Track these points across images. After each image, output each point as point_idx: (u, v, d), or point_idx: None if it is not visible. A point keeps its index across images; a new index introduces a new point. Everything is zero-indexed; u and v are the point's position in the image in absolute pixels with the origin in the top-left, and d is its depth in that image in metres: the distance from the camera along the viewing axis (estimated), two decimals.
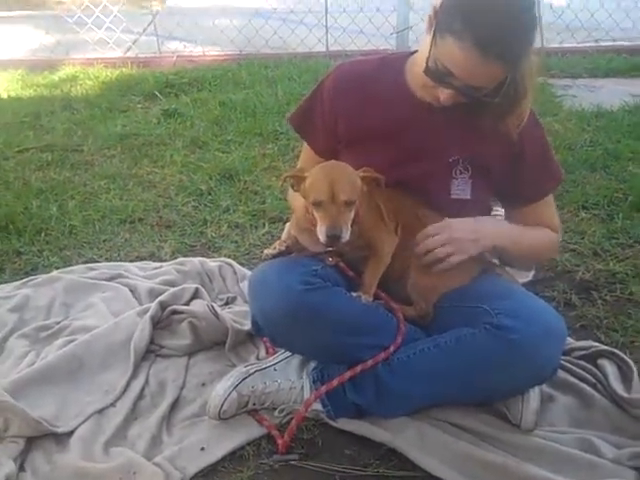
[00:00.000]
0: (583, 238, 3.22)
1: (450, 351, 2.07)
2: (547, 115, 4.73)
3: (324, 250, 2.14)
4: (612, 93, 5.41)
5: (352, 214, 2.04)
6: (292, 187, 2.17)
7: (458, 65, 1.97)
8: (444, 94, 2.06)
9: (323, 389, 2.11)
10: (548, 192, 2.34)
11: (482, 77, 1.99)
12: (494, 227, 2.29)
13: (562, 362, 2.27)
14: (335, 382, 2.10)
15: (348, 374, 2.11)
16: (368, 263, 2.17)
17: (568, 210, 3.49)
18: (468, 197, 2.26)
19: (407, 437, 2.07)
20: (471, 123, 2.15)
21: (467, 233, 2.17)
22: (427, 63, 2.04)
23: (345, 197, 2.00)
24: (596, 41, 6.77)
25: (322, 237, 2.01)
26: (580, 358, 2.40)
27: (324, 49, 6.73)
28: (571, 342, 2.45)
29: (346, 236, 2.00)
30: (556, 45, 6.65)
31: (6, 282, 2.98)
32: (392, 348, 2.11)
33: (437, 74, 2.03)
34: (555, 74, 5.96)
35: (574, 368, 2.35)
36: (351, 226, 2.03)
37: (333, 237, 1.99)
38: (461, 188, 2.25)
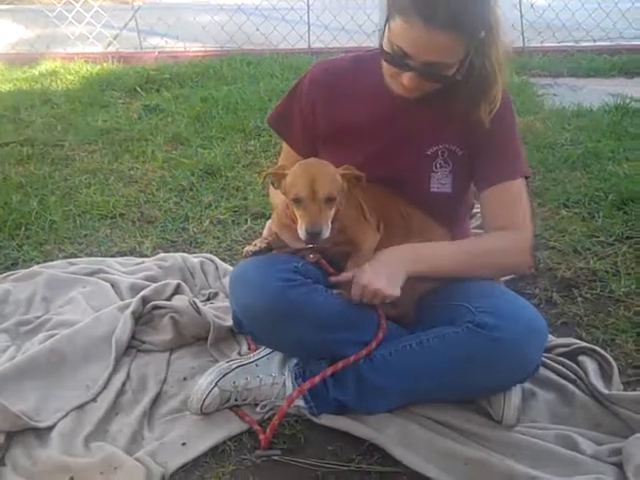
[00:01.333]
0: (564, 236, 3.24)
1: (432, 349, 2.07)
2: (528, 113, 4.75)
3: (305, 247, 2.13)
4: (593, 93, 5.45)
5: (332, 211, 2.03)
6: (273, 185, 2.17)
7: (408, 41, 1.96)
8: (406, 78, 2.04)
9: (306, 385, 2.11)
10: (510, 176, 2.22)
11: (434, 50, 1.96)
12: (407, 256, 2.15)
13: (543, 359, 2.29)
14: (317, 378, 2.10)
15: (330, 370, 2.10)
16: (350, 259, 2.16)
17: (549, 208, 3.51)
18: (449, 191, 2.26)
19: (390, 433, 2.07)
20: (447, 115, 2.15)
21: (376, 279, 2.06)
22: (384, 49, 2.05)
23: (325, 194, 2.00)
24: (577, 41, 6.82)
25: (302, 234, 2.00)
26: (561, 355, 2.41)
27: (306, 46, 6.73)
28: (552, 339, 2.46)
29: (326, 233, 2.00)
30: (537, 44, 6.69)
31: None
32: (374, 344, 2.11)
33: (394, 58, 2.03)
34: (536, 73, 6.00)
35: (555, 365, 2.36)
36: (332, 223, 2.03)
37: (313, 234, 1.99)
38: (442, 182, 2.25)
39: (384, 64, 2.11)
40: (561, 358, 2.39)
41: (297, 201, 2.02)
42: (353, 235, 2.16)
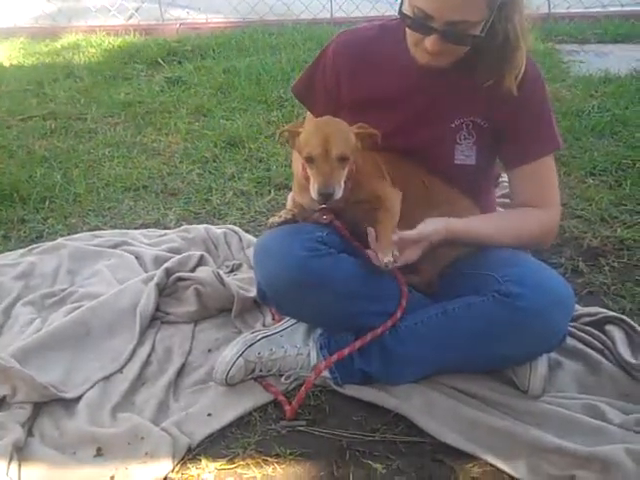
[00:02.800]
0: (591, 205, 3.19)
1: (458, 318, 2.06)
2: (554, 81, 4.68)
3: (318, 208, 2.12)
4: (620, 59, 5.35)
5: (345, 171, 2.00)
6: (288, 143, 2.15)
7: (429, 0, 1.93)
8: (430, 42, 2.00)
9: (334, 358, 2.11)
10: (538, 154, 2.21)
11: (456, 9, 1.93)
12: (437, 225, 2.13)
13: (570, 328, 2.27)
14: (346, 351, 2.10)
15: (358, 343, 2.10)
16: (378, 219, 2.09)
17: (575, 177, 3.46)
18: (473, 163, 2.23)
19: (414, 403, 2.07)
20: (473, 87, 2.12)
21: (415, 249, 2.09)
22: (405, 14, 2.02)
23: (338, 152, 1.97)
24: (604, 6, 6.68)
25: (314, 194, 1.98)
26: (587, 324, 2.39)
27: (329, 16, 6.67)
28: (578, 309, 2.44)
29: (339, 193, 1.97)
30: (563, 10, 6.57)
31: (11, 250, 2.98)
32: (398, 313, 2.10)
33: (416, 22, 2.00)
34: (562, 40, 5.89)
35: (581, 334, 2.34)
36: (345, 182, 2.00)
37: (325, 195, 1.96)
38: (466, 154, 2.22)
39: (407, 32, 2.08)
40: (588, 327, 2.37)
41: (309, 159, 2.00)
42: (372, 191, 2.12)
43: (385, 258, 1.99)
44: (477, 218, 2.24)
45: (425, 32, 2.00)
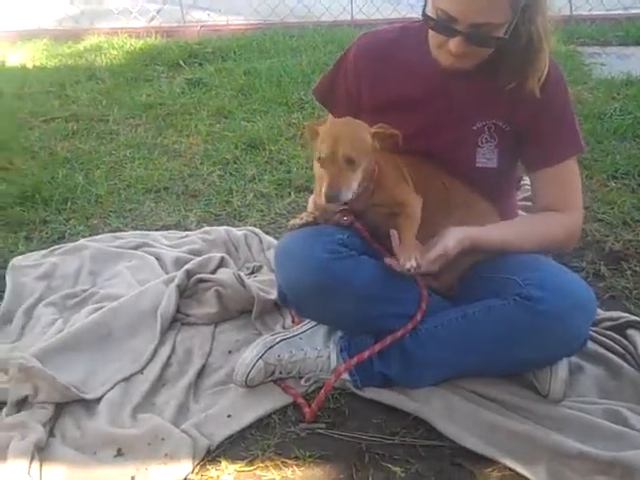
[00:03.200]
0: (612, 208, 3.18)
1: (478, 322, 2.06)
2: (576, 84, 4.65)
3: (338, 209, 2.11)
4: None
5: (357, 173, 1.99)
6: (309, 141, 2.15)
7: (454, 3, 1.93)
8: (453, 44, 1.99)
9: (354, 360, 2.11)
10: (562, 157, 2.20)
11: (480, 10, 1.93)
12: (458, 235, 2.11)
13: (591, 333, 2.25)
14: (366, 354, 2.10)
15: (378, 346, 2.10)
16: (399, 225, 2.09)
17: (597, 180, 3.44)
18: (494, 166, 2.22)
19: (434, 407, 2.06)
20: (495, 89, 2.11)
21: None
22: (429, 16, 2.01)
23: (345, 154, 1.96)
24: (626, 8, 6.63)
25: (322, 196, 1.98)
26: (609, 329, 2.38)
27: (349, 18, 6.66)
28: (600, 313, 2.42)
29: (347, 196, 1.96)
30: (585, 12, 6.53)
31: (33, 251, 3.00)
32: (419, 315, 2.10)
33: (440, 24, 1.99)
34: (584, 42, 5.86)
35: (603, 339, 2.33)
36: (360, 185, 2.00)
37: (330, 197, 1.95)
38: (487, 157, 2.21)
39: (430, 34, 2.08)
40: (609, 332, 2.36)
41: (320, 161, 2.00)
42: (394, 195, 2.12)
43: (407, 263, 1.98)
44: (498, 226, 2.22)
45: (449, 34, 1.99)
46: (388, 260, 2.05)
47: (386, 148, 2.07)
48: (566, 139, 2.20)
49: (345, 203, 2.02)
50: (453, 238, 2.07)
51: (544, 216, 2.23)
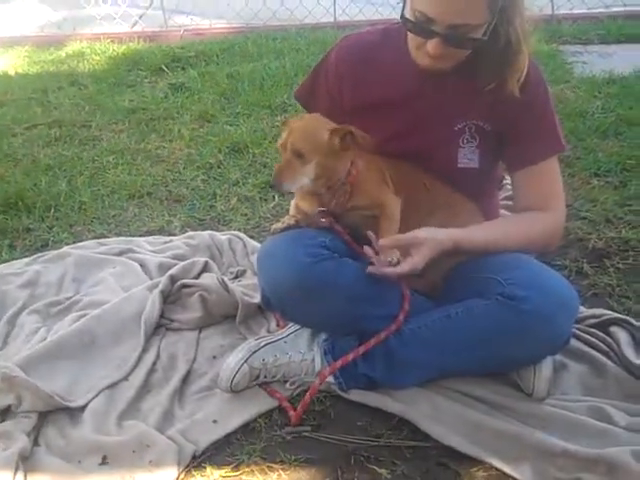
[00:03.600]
0: (595, 206, 3.19)
1: (461, 322, 2.06)
2: (558, 82, 4.66)
3: (317, 211, 2.15)
4: (624, 59, 5.32)
5: (307, 168, 2.05)
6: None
7: (430, 4, 1.94)
8: (431, 45, 2.00)
9: (338, 363, 2.11)
10: (545, 156, 2.21)
11: (457, 12, 1.94)
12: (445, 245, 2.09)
13: (574, 330, 2.26)
14: (350, 357, 2.10)
15: (362, 348, 2.10)
16: (379, 224, 2.13)
17: (579, 178, 3.45)
18: (476, 166, 2.23)
19: (419, 407, 2.07)
20: (475, 90, 2.12)
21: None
22: (407, 18, 2.02)
23: (294, 147, 2.04)
24: (607, 7, 6.66)
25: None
26: (592, 326, 2.38)
27: (332, 20, 6.67)
28: (583, 310, 2.43)
29: (289, 188, 2.09)
30: (566, 11, 6.55)
31: (17, 259, 2.99)
32: (402, 316, 2.10)
33: (418, 25, 2.00)
34: (566, 41, 5.87)
35: (586, 336, 2.34)
36: (312, 181, 2.07)
37: (272, 186, 2.08)
38: (469, 157, 2.22)
39: (409, 36, 2.09)
40: (592, 329, 2.37)
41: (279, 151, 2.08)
42: (373, 198, 2.15)
43: (387, 257, 2.00)
44: (481, 227, 2.22)
45: (427, 36, 2.00)
46: (367, 249, 2.05)
47: (347, 148, 2.09)
48: (546, 139, 2.21)
49: (323, 205, 2.07)
50: (428, 232, 2.06)
51: (526, 216, 2.23)
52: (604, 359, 2.25)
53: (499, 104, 2.13)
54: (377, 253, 2.05)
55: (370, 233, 2.07)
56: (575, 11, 6.60)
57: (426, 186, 2.21)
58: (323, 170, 2.07)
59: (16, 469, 1.89)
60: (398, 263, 2.01)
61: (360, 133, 2.06)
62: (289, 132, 2.07)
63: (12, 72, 5.76)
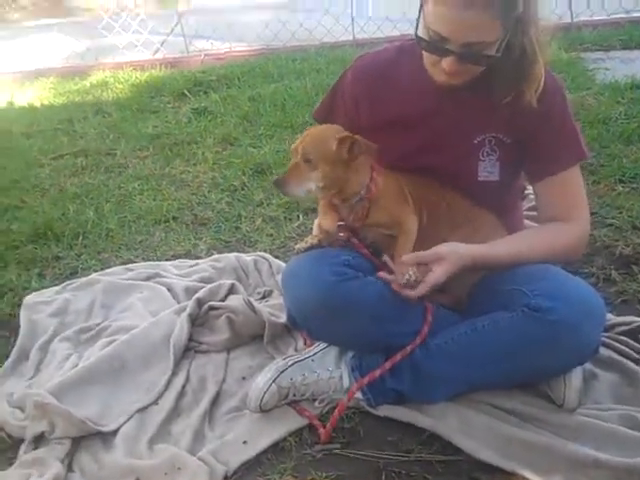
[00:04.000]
0: (621, 212, 3.17)
1: (487, 335, 2.05)
2: (580, 89, 4.65)
3: (337, 225, 2.18)
4: None
5: (314, 174, 2.08)
6: None
7: (444, 24, 1.94)
8: (446, 63, 2.01)
9: (365, 380, 2.11)
10: (563, 165, 2.20)
11: (471, 31, 1.93)
12: (467, 262, 2.09)
13: (603, 339, 2.24)
14: (377, 373, 2.10)
15: (388, 364, 2.10)
16: (397, 240, 2.16)
17: (605, 184, 3.44)
18: (497, 179, 2.22)
19: (449, 421, 2.06)
20: (493, 102, 2.12)
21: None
22: (421, 37, 2.03)
23: (304, 152, 2.08)
24: (627, 12, 6.63)
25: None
26: (622, 334, 2.36)
27: (351, 38, 6.71)
28: (612, 318, 2.42)
29: (293, 191, 2.11)
30: (586, 18, 6.53)
31: (46, 287, 3.03)
32: (426, 328, 2.10)
33: (432, 44, 2.01)
34: (587, 48, 5.87)
35: (616, 344, 2.31)
36: (319, 188, 2.10)
37: (275, 184, 2.14)
38: (489, 170, 2.22)
39: (424, 53, 2.09)
40: (623, 337, 2.34)
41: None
42: (392, 215, 2.16)
43: (404, 276, 2.02)
44: (504, 241, 2.20)
45: (442, 54, 2.01)
46: (382, 274, 2.08)
47: (355, 158, 2.11)
48: (567, 147, 2.20)
49: (342, 220, 2.12)
50: (449, 247, 2.07)
51: (550, 227, 2.22)
52: (635, 367, 2.22)
53: (517, 115, 2.12)
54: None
55: (386, 257, 2.10)
56: (595, 17, 6.58)
57: (447, 203, 2.21)
58: (331, 178, 2.10)
59: None
60: (415, 280, 2.02)
61: (364, 142, 2.08)
62: (303, 137, 2.13)
63: (38, 103, 5.87)
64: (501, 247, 2.16)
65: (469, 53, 1.98)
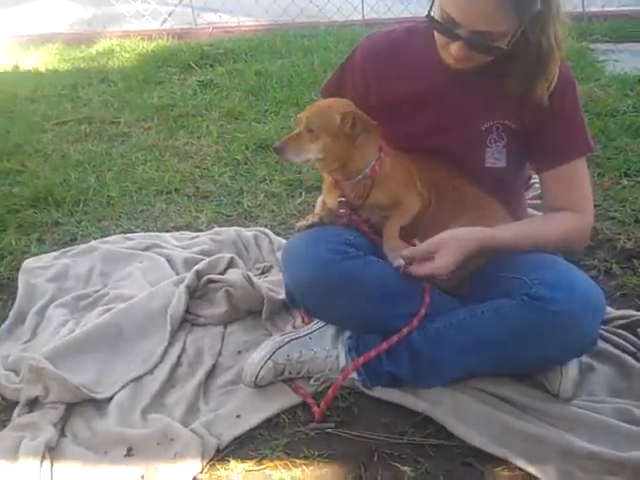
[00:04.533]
0: (624, 206, 3.15)
1: (487, 321, 2.05)
2: (588, 81, 4.61)
3: (338, 201, 2.17)
4: None
5: (314, 145, 2.09)
6: None
7: (457, 8, 1.92)
8: (454, 47, 1.99)
9: (361, 360, 2.11)
10: (568, 157, 2.18)
11: (483, 19, 1.91)
12: (472, 245, 2.09)
13: (601, 332, 2.24)
14: (372, 353, 2.10)
15: (385, 345, 2.10)
16: (391, 216, 2.16)
17: (609, 178, 3.41)
18: (503, 165, 2.21)
19: (444, 406, 2.06)
20: (503, 90, 2.11)
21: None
22: (433, 17, 2.01)
23: (306, 122, 2.09)
24: (639, 5, 6.58)
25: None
26: (620, 327, 2.36)
27: (360, 18, 6.65)
28: (611, 311, 2.41)
29: (292, 158, 2.12)
30: (597, 9, 6.48)
31: (46, 252, 3.02)
32: (423, 310, 2.10)
33: (443, 26, 1.99)
34: (597, 39, 5.81)
35: (614, 337, 2.31)
36: (318, 158, 2.11)
37: (275, 150, 2.14)
38: (496, 157, 2.20)
39: (436, 34, 2.08)
40: (620, 330, 2.34)
41: None
42: (395, 197, 2.16)
43: (395, 262, 2.05)
44: (509, 226, 2.21)
45: (451, 38, 1.99)
46: None
47: (355, 135, 2.11)
48: (574, 140, 2.18)
49: (343, 196, 2.13)
50: (446, 234, 2.07)
51: (555, 216, 2.21)
52: (632, 361, 2.22)
53: (527, 104, 2.11)
54: None
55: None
56: (606, 8, 6.52)
57: (454, 186, 2.20)
58: (332, 152, 2.10)
59: (43, 458, 1.92)
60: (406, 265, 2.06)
61: (365, 118, 2.10)
62: (310, 107, 2.15)
63: (43, 69, 5.83)
64: (507, 231, 2.16)
65: (478, 41, 1.96)
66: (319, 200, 2.33)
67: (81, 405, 2.15)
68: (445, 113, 2.20)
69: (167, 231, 3.20)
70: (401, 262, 2.05)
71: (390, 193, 2.15)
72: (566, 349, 2.05)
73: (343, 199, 2.16)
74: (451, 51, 2.01)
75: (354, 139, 2.11)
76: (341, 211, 2.16)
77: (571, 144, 2.18)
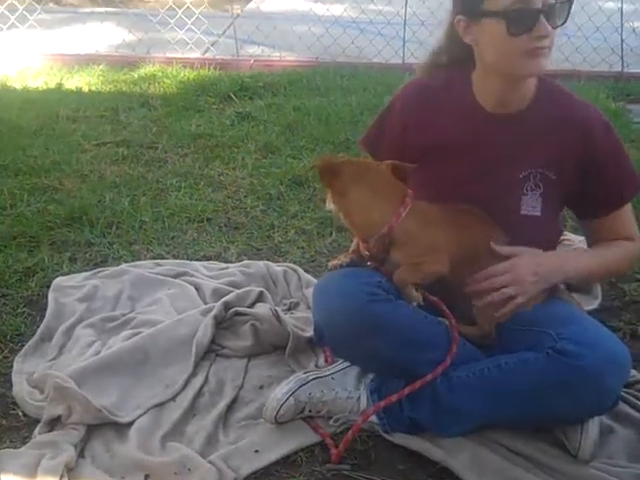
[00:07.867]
0: None
1: (511, 373, 2.06)
2: (623, 141, 4.55)
3: (364, 254, 2.19)
4: None
5: (327, 198, 2.18)
6: None
7: None
8: (541, 26, 1.97)
9: (382, 403, 2.12)
10: (625, 200, 2.23)
11: None
12: (555, 264, 2.21)
13: (624, 394, 2.23)
14: (395, 397, 2.11)
15: (407, 390, 2.11)
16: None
17: None
18: (538, 214, 2.22)
19: (461, 458, 2.05)
20: (542, 134, 2.14)
21: (529, 275, 2.13)
22: (507, 15, 1.99)
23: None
24: None
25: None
26: None
27: (400, 62, 6.72)
28: (635, 374, 2.40)
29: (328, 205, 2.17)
30: (637, 70, 6.50)
31: (77, 271, 3.06)
32: (448, 360, 2.10)
33: (519, 13, 1.98)
34: (635, 99, 5.82)
35: (636, 401, 2.30)
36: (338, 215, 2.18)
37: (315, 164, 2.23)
38: (532, 205, 2.22)
39: (505, 50, 2.05)
40: None
41: None
42: (417, 261, 2.13)
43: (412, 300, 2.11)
44: (580, 253, 2.35)
45: (533, 18, 1.98)
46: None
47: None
48: (623, 181, 2.23)
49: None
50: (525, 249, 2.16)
51: (611, 244, 2.27)
52: None
53: (568, 150, 2.15)
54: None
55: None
56: None
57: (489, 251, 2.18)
58: (332, 207, 2.17)
59: (61, 478, 1.93)
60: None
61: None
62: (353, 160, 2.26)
63: (86, 89, 5.91)
64: (585, 258, 2.28)
65: (555, 9, 1.99)
66: (355, 240, 2.35)
67: (102, 428, 2.17)
68: (482, 160, 2.21)
69: (197, 259, 3.22)
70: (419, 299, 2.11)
71: (409, 255, 2.12)
72: (588, 405, 2.04)
73: (368, 253, 2.17)
74: (539, 33, 1.99)
75: (344, 194, 2.14)
76: (369, 264, 2.18)
77: (621, 189, 2.22)
